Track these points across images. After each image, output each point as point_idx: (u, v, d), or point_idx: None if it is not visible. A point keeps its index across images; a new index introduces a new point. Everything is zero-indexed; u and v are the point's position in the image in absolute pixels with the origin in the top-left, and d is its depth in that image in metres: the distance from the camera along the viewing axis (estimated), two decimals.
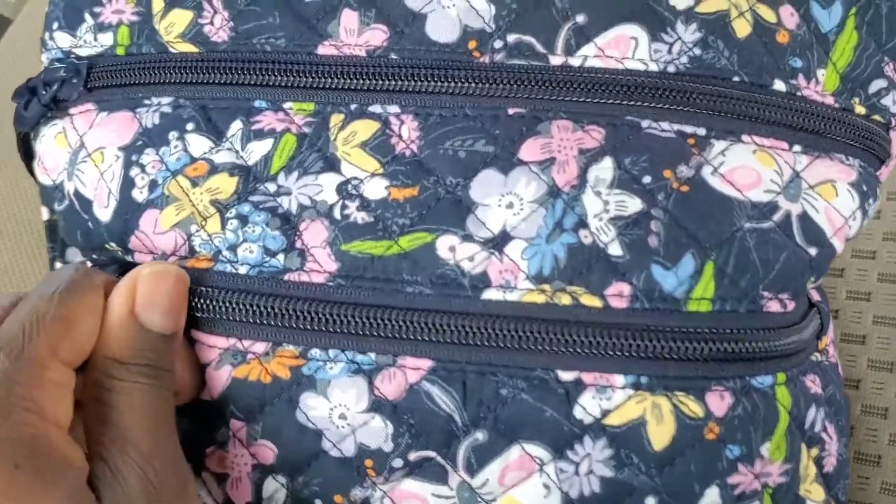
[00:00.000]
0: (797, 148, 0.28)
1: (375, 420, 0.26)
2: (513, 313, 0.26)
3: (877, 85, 0.29)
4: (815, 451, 0.28)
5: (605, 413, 0.25)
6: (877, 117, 0.29)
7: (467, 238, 0.26)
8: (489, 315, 0.26)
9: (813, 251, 0.27)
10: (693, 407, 0.26)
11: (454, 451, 0.26)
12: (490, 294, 0.26)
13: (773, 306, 0.26)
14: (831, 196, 0.28)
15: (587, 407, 0.26)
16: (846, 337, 0.36)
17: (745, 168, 0.27)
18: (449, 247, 0.26)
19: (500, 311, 0.26)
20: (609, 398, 0.25)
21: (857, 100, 0.29)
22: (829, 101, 0.29)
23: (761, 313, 0.26)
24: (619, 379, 0.25)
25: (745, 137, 0.27)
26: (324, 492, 0.27)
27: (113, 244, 0.29)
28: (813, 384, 0.28)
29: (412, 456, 0.26)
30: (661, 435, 0.25)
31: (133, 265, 0.28)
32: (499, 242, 0.26)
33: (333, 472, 0.27)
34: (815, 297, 0.30)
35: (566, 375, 0.26)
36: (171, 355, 0.26)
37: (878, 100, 0.29)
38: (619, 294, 0.26)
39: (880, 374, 0.35)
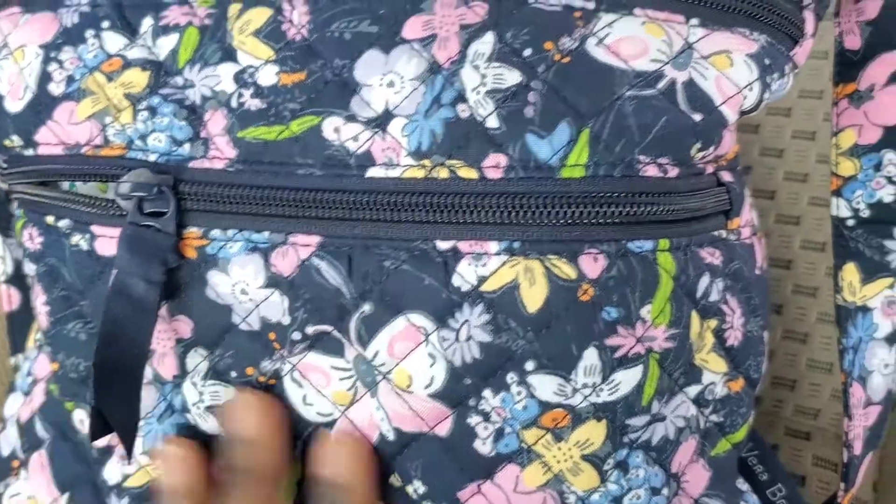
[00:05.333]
0: (694, 21, 0.27)
1: (274, 295, 0.27)
2: (395, 189, 0.26)
3: None
4: (713, 323, 0.28)
5: (482, 280, 0.26)
6: None
7: (351, 119, 0.27)
8: (373, 191, 0.26)
9: (697, 117, 0.27)
10: (565, 269, 0.26)
11: (347, 325, 0.27)
12: (374, 172, 0.27)
13: (651, 171, 0.26)
14: (725, 66, 0.27)
15: (464, 274, 0.26)
16: (781, 218, 0.36)
17: (631, 38, 0.26)
18: (334, 128, 0.27)
19: (383, 188, 0.26)
20: (485, 264, 0.26)
21: None
22: None
23: (637, 178, 0.26)
24: (493, 245, 0.26)
25: (637, 11, 0.27)
26: (237, 363, 0.29)
27: (15, 138, 0.30)
28: (710, 256, 0.28)
29: (309, 330, 0.28)
30: (533, 297, 0.26)
31: (32, 160, 0.30)
32: (382, 121, 0.27)
33: (244, 344, 0.28)
34: (727, 178, 0.29)
35: (444, 245, 0.26)
36: None
37: None
38: (495, 165, 0.26)
39: (813, 254, 0.35)
